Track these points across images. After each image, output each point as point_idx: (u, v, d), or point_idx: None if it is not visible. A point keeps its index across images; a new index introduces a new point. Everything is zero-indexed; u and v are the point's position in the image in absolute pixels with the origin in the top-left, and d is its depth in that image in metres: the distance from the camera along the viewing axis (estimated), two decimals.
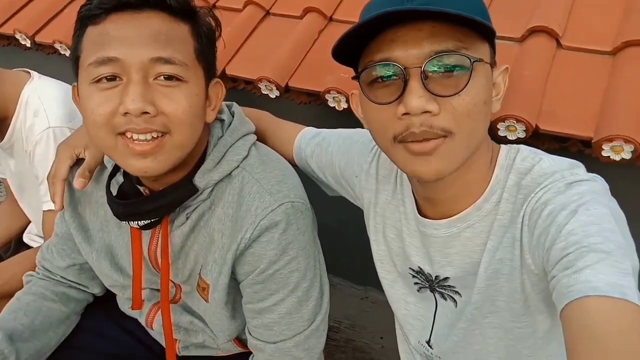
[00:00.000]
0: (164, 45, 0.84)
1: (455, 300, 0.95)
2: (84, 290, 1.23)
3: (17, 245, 1.70)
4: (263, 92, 1.59)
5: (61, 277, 1.19)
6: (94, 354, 1.20)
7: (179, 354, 1.19)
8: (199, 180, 0.95)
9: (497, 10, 1.49)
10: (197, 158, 0.97)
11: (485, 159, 0.85)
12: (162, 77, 0.84)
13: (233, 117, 1.05)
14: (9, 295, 1.26)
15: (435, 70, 0.73)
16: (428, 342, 1.04)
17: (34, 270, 1.23)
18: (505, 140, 1.27)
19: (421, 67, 0.72)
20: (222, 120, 1.02)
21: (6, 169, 1.55)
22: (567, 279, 0.64)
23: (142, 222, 0.97)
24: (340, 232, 1.77)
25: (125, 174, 1.01)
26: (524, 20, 1.44)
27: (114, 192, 1.00)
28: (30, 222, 1.66)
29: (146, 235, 1.04)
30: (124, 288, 1.14)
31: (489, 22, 0.76)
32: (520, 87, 1.26)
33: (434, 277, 0.96)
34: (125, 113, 0.81)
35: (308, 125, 1.23)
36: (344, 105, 1.46)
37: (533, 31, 1.40)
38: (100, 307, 1.26)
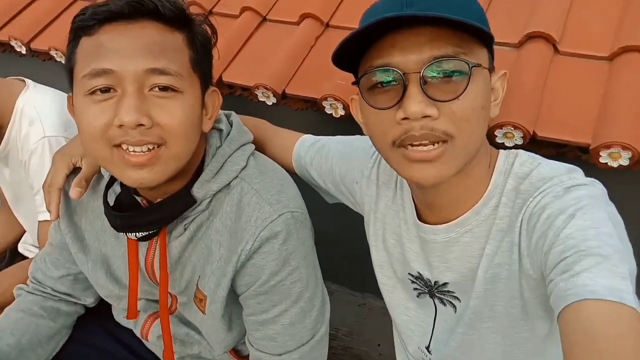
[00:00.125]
0: (158, 56, 0.83)
1: (454, 306, 0.95)
2: (75, 302, 1.21)
3: (12, 255, 1.69)
4: (260, 99, 1.59)
5: (52, 289, 1.18)
6: None
7: None
8: (197, 191, 0.95)
9: (494, 15, 1.49)
10: (195, 168, 0.96)
11: (484, 164, 0.85)
12: (157, 88, 0.83)
13: (231, 126, 1.04)
14: (4, 306, 1.26)
15: (434, 76, 0.74)
16: (427, 348, 1.04)
17: (27, 281, 1.22)
18: (502, 147, 1.26)
19: (420, 72, 0.73)
20: (220, 130, 1.01)
21: (1, 178, 1.54)
22: (565, 282, 0.65)
23: (141, 233, 0.96)
24: (338, 239, 1.77)
25: (123, 184, 1.00)
26: (521, 25, 1.44)
27: (111, 202, 0.99)
28: (25, 231, 1.65)
29: (143, 246, 1.03)
30: (120, 298, 1.13)
31: (488, 28, 0.77)
32: (518, 93, 1.26)
33: (433, 283, 0.96)
34: (120, 125, 0.81)
35: (305, 133, 1.22)
36: (341, 112, 1.46)
37: (530, 37, 1.40)
38: (93, 318, 1.25)
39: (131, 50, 0.82)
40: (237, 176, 0.98)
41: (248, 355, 1.17)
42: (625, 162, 1.14)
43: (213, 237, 0.97)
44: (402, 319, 1.06)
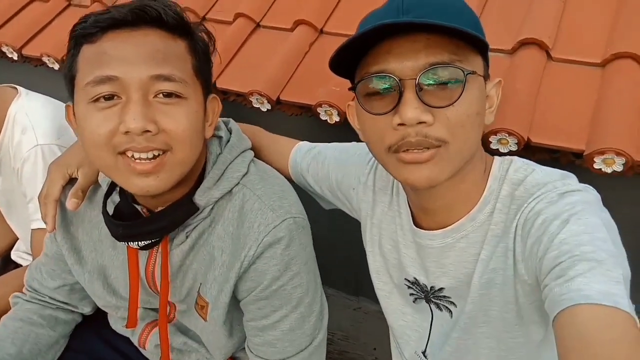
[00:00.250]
0: (163, 63, 0.83)
1: (450, 311, 0.96)
2: (73, 311, 1.21)
3: (5, 263, 1.67)
4: (254, 106, 1.58)
5: (50, 298, 1.17)
6: None
7: None
8: (199, 198, 0.95)
9: (488, 21, 1.49)
10: (196, 176, 0.97)
11: (479, 170, 0.86)
12: (161, 95, 0.84)
13: (230, 133, 1.04)
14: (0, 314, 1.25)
15: (430, 83, 0.75)
16: (424, 353, 1.04)
17: (23, 290, 1.21)
18: (497, 153, 1.27)
19: (416, 79, 0.74)
20: (219, 137, 1.01)
21: None
22: (560, 287, 0.65)
23: (143, 242, 0.95)
24: (333, 243, 1.77)
25: (122, 193, 1.00)
26: (514, 32, 1.45)
27: (110, 211, 0.98)
28: (17, 239, 1.63)
29: (143, 255, 1.03)
30: (117, 308, 1.13)
31: (483, 36, 0.78)
32: (512, 100, 1.27)
33: (429, 288, 0.97)
34: (126, 132, 0.81)
35: (300, 139, 1.23)
36: (336, 119, 1.46)
37: (523, 43, 1.41)
38: (89, 327, 1.24)
39: (135, 57, 0.82)
40: (238, 183, 0.98)
41: None
42: (619, 168, 1.15)
43: (215, 243, 0.97)
44: (399, 324, 1.06)
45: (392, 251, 1.02)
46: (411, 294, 1.01)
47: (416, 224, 0.95)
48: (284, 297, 0.97)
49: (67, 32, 1.96)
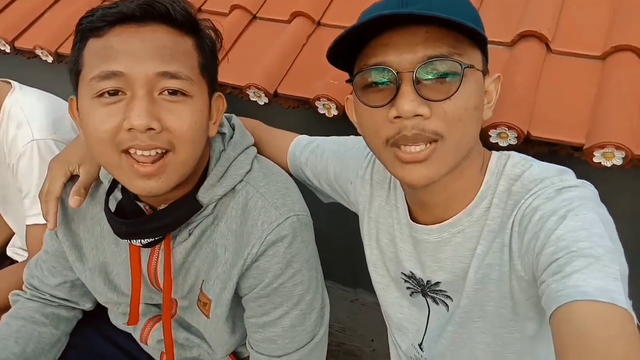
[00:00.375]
0: (170, 60, 0.82)
1: (447, 305, 0.96)
2: (74, 307, 1.21)
3: (0, 258, 1.65)
4: (252, 99, 1.57)
5: (50, 295, 1.16)
6: None
7: None
8: (203, 196, 0.94)
9: (487, 14, 1.49)
10: (199, 173, 0.96)
11: (476, 165, 0.86)
12: (166, 92, 0.83)
13: (233, 130, 1.04)
14: None
15: (428, 77, 0.74)
16: (420, 345, 1.05)
17: (20, 286, 1.20)
18: (497, 147, 1.28)
19: (413, 72, 0.73)
20: (222, 134, 1.01)
21: None
22: (557, 283, 0.65)
23: (146, 240, 0.95)
24: (330, 235, 1.76)
25: (124, 190, 0.99)
26: (514, 24, 1.44)
27: (112, 208, 0.98)
28: (12, 235, 1.62)
29: (145, 252, 1.03)
30: (119, 304, 1.13)
31: (482, 30, 0.78)
32: (512, 93, 1.26)
33: (425, 282, 0.97)
34: (130, 129, 0.80)
35: (299, 132, 1.22)
36: (334, 112, 1.45)
37: (523, 36, 1.40)
38: (90, 323, 1.24)
39: (142, 53, 0.81)
40: (242, 180, 0.98)
41: (247, 358, 1.17)
42: (618, 161, 1.15)
43: (218, 241, 0.97)
44: (396, 317, 1.07)
45: (389, 245, 1.02)
46: (408, 288, 1.02)
47: (413, 218, 0.95)
48: (284, 294, 0.97)
49: (61, 24, 1.94)
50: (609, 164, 1.17)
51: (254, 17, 1.78)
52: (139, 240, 0.95)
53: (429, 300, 0.99)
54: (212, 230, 0.98)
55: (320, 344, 1.04)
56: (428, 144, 0.76)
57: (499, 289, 0.85)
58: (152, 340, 1.15)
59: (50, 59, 1.88)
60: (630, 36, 1.31)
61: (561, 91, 1.31)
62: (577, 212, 0.71)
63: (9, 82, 1.40)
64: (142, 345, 1.21)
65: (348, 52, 0.81)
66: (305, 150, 1.16)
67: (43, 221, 1.27)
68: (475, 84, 0.77)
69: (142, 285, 1.05)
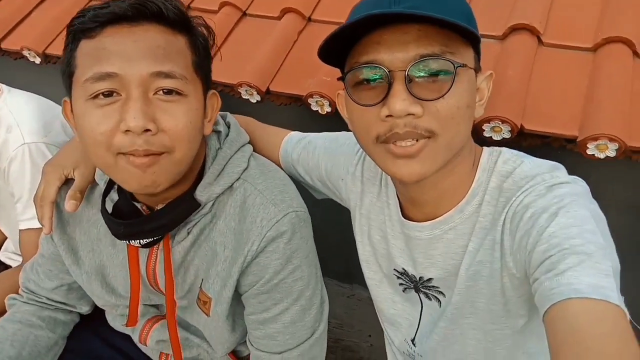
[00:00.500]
0: (163, 59, 0.81)
1: (439, 300, 0.97)
2: (71, 311, 1.20)
3: None
4: (243, 97, 1.56)
5: (47, 299, 1.16)
6: None
7: None
8: (200, 194, 0.94)
9: (478, 7, 1.49)
10: (195, 172, 0.96)
11: (468, 162, 0.86)
12: (161, 92, 0.82)
13: (229, 128, 1.03)
14: None
15: (420, 75, 0.74)
16: (412, 341, 1.05)
17: (16, 290, 1.19)
18: (490, 141, 1.28)
19: (405, 70, 0.73)
20: (218, 132, 1.00)
21: None
22: (550, 281, 0.65)
23: (144, 240, 0.94)
24: (325, 231, 1.76)
25: (120, 191, 0.98)
26: (505, 17, 1.45)
27: (109, 210, 0.97)
28: (4, 240, 1.60)
29: (143, 253, 1.02)
30: (117, 306, 1.12)
31: (475, 28, 0.77)
32: (504, 87, 1.27)
33: (417, 278, 0.97)
34: (127, 131, 0.79)
35: (292, 129, 1.22)
36: (328, 109, 1.45)
37: (514, 29, 1.41)
38: (87, 326, 1.23)
39: (135, 53, 0.80)
40: (239, 177, 0.97)
41: (247, 356, 1.18)
42: (612, 153, 1.16)
43: (217, 239, 0.97)
44: (389, 313, 1.07)
45: (380, 242, 1.02)
46: (400, 284, 1.02)
47: (405, 215, 0.95)
48: (284, 290, 0.97)
49: (47, 25, 1.91)
50: (602, 156, 1.17)
51: (244, 13, 1.77)
52: (138, 241, 0.95)
53: (422, 295, 0.99)
54: (211, 229, 0.97)
55: (320, 340, 1.05)
56: (420, 139, 0.76)
57: (490, 286, 0.85)
58: (151, 341, 1.14)
59: (37, 60, 1.85)
60: (620, 28, 1.32)
61: (553, 84, 1.31)
62: (568, 209, 0.71)
63: None
64: (140, 346, 1.20)
65: (339, 49, 0.80)
66: (297, 146, 1.15)
67: (36, 225, 1.27)
68: (467, 83, 0.77)
69: (141, 286, 1.05)
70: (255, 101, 1.56)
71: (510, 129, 1.24)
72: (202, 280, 1.01)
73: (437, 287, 0.95)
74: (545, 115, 1.26)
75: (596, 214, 0.74)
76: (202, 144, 0.94)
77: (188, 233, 0.97)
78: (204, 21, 0.93)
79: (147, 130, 0.79)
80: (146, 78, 0.80)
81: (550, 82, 1.32)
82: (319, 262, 1.06)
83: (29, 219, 1.30)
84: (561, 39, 1.38)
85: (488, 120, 1.24)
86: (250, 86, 1.50)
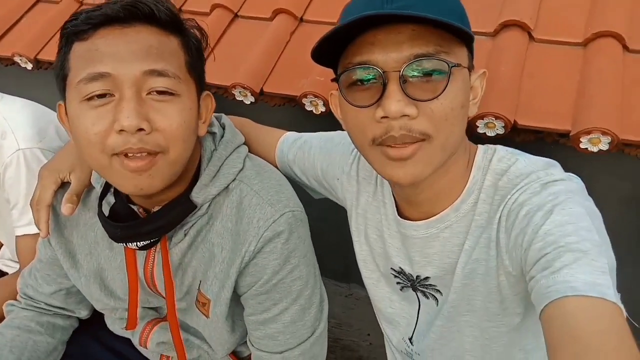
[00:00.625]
0: (156, 58, 0.82)
1: (436, 299, 0.97)
2: (70, 316, 1.20)
3: None
4: (237, 99, 1.56)
5: (45, 304, 1.15)
6: None
7: None
8: (197, 196, 0.94)
9: (469, 4, 1.48)
10: (191, 174, 0.96)
11: (463, 161, 0.86)
12: (154, 92, 0.82)
13: (224, 129, 1.04)
14: None
15: (414, 75, 0.73)
16: (410, 339, 1.05)
17: (14, 297, 1.19)
18: (484, 137, 1.29)
19: (400, 70, 0.72)
20: (213, 134, 1.00)
21: None
22: (546, 279, 0.65)
23: (142, 243, 0.94)
24: (321, 231, 1.76)
25: (117, 194, 0.98)
26: (496, 14, 1.46)
27: (106, 213, 0.97)
28: (1, 247, 1.59)
29: (141, 255, 1.02)
30: (115, 309, 1.12)
31: (468, 27, 0.77)
32: (497, 83, 1.28)
33: (414, 277, 0.97)
34: (121, 130, 0.79)
35: (287, 130, 1.22)
36: (322, 109, 1.45)
37: (505, 25, 1.42)
38: (86, 330, 1.23)
39: (128, 53, 0.80)
40: (235, 178, 0.97)
41: (247, 357, 1.18)
42: (605, 146, 1.17)
43: (215, 240, 0.97)
44: (387, 312, 1.07)
45: (377, 241, 1.02)
46: (398, 283, 1.02)
47: (401, 214, 0.95)
48: (283, 290, 0.97)
49: (38, 30, 1.90)
50: (595, 150, 1.19)
51: (236, 15, 1.77)
52: (135, 243, 0.95)
53: (420, 294, 0.99)
54: (208, 230, 0.98)
55: (320, 338, 1.05)
56: (415, 142, 0.75)
57: (486, 284, 0.86)
58: (151, 344, 1.14)
59: (29, 66, 1.85)
60: (610, 22, 1.33)
61: (545, 79, 1.32)
62: (563, 207, 0.71)
63: None
64: (140, 349, 1.20)
65: (332, 50, 0.80)
66: (293, 147, 1.15)
67: (33, 231, 1.26)
68: (461, 82, 0.76)
69: (139, 289, 1.05)
70: (249, 102, 1.56)
71: (503, 125, 1.25)
72: (200, 281, 1.01)
73: (434, 285, 0.95)
74: (538, 111, 1.27)
75: (591, 210, 0.73)
76: (197, 145, 0.94)
77: (185, 235, 0.97)
78: (197, 23, 0.93)
79: (141, 129, 0.80)
80: (139, 78, 0.80)
81: (542, 77, 1.33)
82: (317, 262, 1.07)
83: (25, 225, 1.29)
84: (552, 34, 1.39)
85: (482, 116, 1.25)
86: (244, 87, 1.51)
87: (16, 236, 1.32)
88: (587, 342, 0.58)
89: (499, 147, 0.88)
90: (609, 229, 0.73)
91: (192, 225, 0.97)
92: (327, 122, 1.30)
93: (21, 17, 2.01)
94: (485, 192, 0.84)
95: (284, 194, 0.98)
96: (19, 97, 1.42)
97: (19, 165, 1.26)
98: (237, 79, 1.52)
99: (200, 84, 0.93)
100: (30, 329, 1.12)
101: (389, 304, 1.06)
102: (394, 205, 0.96)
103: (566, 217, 0.70)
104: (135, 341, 1.18)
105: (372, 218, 1.02)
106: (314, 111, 1.47)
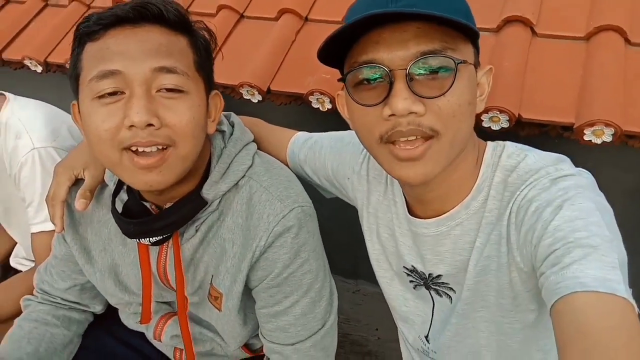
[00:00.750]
0: (166, 55, 0.84)
1: (450, 297, 0.97)
2: (85, 310, 1.22)
3: (4, 270, 1.66)
4: (245, 97, 1.58)
5: (61, 299, 1.18)
6: None
7: None
8: (207, 192, 0.96)
9: (471, 1, 1.51)
10: (201, 171, 0.98)
11: (472, 158, 0.86)
12: (164, 90, 0.84)
13: (233, 127, 1.06)
14: (4, 319, 1.26)
15: (420, 73, 0.73)
16: (426, 337, 1.06)
17: (30, 293, 1.21)
18: (489, 131, 1.30)
19: (406, 68, 0.72)
20: (222, 132, 1.03)
21: None
22: (555, 275, 0.65)
23: (154, 238, 0.97)
24: (329, 228, 1.78)
25: (129, 191, 1.01)
26: (498, 9, 1.47)
27: (119, 210, 0.99)
28: (15, 245, 1.62)
29: (154, 250, 1.04)
30: (130, 304, 1.14)
31: (474, 24, 0.77)
32: (501, 78, 1.29)
33: (427, 275, 0.97)
34: (131, 126, 0.81)
35: (294, 128, 1.24)
36: (328, 106, 1.47)
37: (508, 21, 1.43)
38: (101, 325, 1.26)
39: (138, 52, 0.83)
40: (244, 175, 1.00)
41: (259, 349, 1.20)
42: (608, 138, 1.18)
43: (226, 236, 0.99)
44: (402, 310, 1.07)
45: (389, 239, 1.03)
46: (411, 281, 1.02)
47: (411, 212, 0.95)
48: (294, 283, 0.99)
49: (47, 33, 1.93)
50: (599, 141, 1.20)
51: (242, 16, 1.79)
52: (148, 239, 0.97)
53: (433, 292, 0.99)
54: (219, 226, 1.00)
55: (331, 330, 1.07)
56: (423, 140, 0.76)
57: (498, 280, 0.85)
58: (165, 337, 1.17)
59: (39, 69, 1.88)
60: (611, 16, 1.34)
61: (548, 73, 1.34)
62: (573, 202, 0.71)
63: (3, 94, 1.40)
64: (154, 343, 1.23)
65: (338, 50, 0.80)
66: (304, 147, 1.16)
67: (48, 228, 1.29)
68: (468, 79, 0.76)
69: (153, 284, 1.07)
70: (256, 101, 1.58)
71: (508, 119, 1.26)
72: (212, 276, 1.03)
73: (446, 283, 0.95)
74: (542, 105, 1.28)
75: (602, 205, 0.73)
76: (206, 143, 0.97)
77: (196, 230, 1.00)
78: (205, 25, 0.96)
79: (151, 125, 0.82)
80: (149, 75, 0.83)
81: (546, 71, 1.34)
82: (326, 256, 1.08)
83: (41, 222, 1.32)
84: (554, 29, 1.40)
85: (486, 110, 1.26)
86: (251, 86, 1.53)
87: (32, 233, 1.34)
88: (597, 338, 0.58)
89: (509, 143, 0.87)
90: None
91: (204, 221, 0.99)
92: (334, 119, 1.31)
93: (30, 21, 2.04)
94: (495, 189, 0.84)
95: (293, 190, 1.00)
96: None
97: (34, 164, 1.29)
98: (244, 78, 1.54)
99: (209, 83, 0.95)
100: (47, 321, 1.15)
101: (403, 302, 1.06)
102: (405, 204, 0.96)
103: (576, 212, 0.69)
104: (150, 335, 1.20)
105: (383, 217, 1.03)
106: (321, 108, 1.49)
